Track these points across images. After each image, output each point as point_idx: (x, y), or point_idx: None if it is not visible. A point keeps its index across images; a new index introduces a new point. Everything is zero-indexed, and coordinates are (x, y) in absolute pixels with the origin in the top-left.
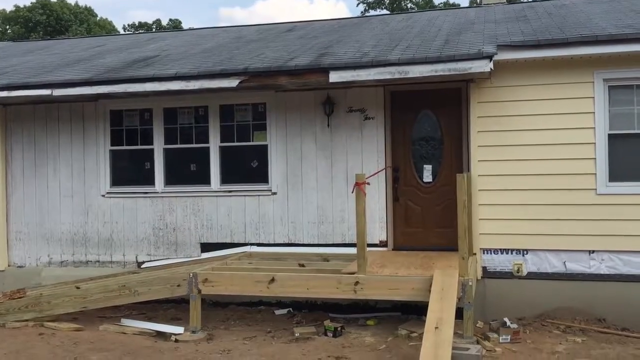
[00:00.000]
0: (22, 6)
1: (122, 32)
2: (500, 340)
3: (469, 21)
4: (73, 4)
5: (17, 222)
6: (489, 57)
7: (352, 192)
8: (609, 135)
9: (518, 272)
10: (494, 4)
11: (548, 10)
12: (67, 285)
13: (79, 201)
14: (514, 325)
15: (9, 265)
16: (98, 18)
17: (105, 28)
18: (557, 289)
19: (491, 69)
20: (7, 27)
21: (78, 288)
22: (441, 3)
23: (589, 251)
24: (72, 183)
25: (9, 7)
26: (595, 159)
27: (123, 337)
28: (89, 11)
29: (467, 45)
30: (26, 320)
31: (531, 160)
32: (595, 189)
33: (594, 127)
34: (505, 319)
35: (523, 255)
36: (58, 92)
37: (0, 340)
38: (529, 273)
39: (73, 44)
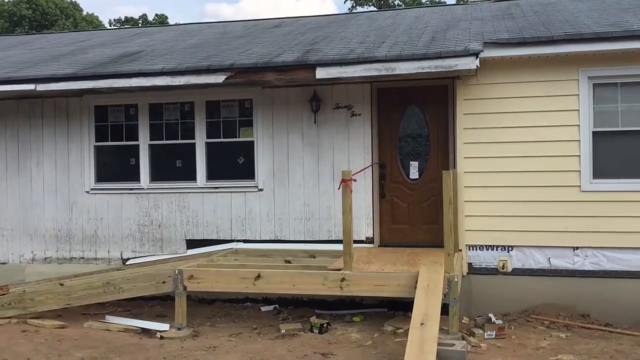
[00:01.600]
0: (6, 0)
1: (108, 27)
2: (485, 336)
3: (455, 18)
4: None
5: (0, 218)
6: (475, 54)
7: (339, 189)
8: (593, 132)
9: (503, 269)
10: (480, 1)
11: (534, 8)
12: (51, 282)
13: (63, 197)
14: (499, 321)
15: None
16: (85, 13)
17: (93, 23)
18: (541, 285)
19: (477, 66)
20: None
21: (62, 285)
22: (428, 0)
23: (573, 247)
24: (56, 179)
25: None
26: (579, 156)
27: (108, 334)
28: (74, 6)
29: (454, 43)
30: (9, 318)
31: (516, 157)
32: (580, 186)
33: (579, 125)
34: (491, 315)
35: (508, 252)
36: (42, 87)
37: None
38: (514, 269)
39: (57, 38)
